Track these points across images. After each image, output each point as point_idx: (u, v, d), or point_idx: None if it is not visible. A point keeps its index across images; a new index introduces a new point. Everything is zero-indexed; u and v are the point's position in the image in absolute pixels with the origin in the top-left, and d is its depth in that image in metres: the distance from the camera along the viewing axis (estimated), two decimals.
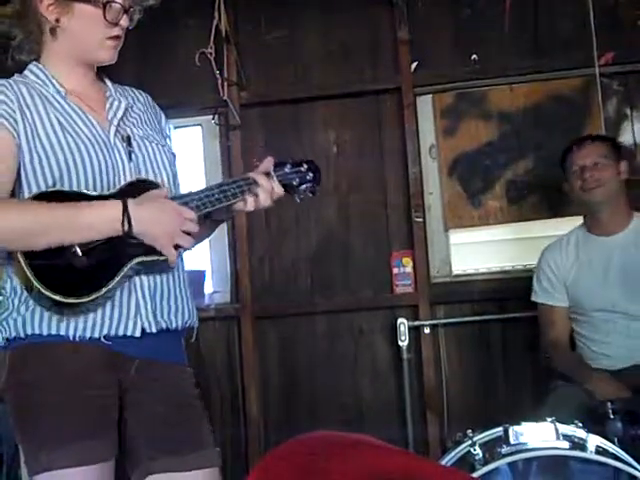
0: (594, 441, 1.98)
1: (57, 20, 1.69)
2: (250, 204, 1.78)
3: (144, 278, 1.67)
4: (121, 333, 1.63)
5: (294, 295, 3.66)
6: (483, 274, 3.64)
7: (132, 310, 1.65)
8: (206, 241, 2.12)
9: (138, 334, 1.65)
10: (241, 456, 3.59)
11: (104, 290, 1.58)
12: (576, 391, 2.55)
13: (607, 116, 3.46)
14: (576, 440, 2.00)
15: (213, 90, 3.64)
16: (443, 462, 2.08)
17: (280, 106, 3.72)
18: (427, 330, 3.51)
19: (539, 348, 3.02)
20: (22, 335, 1.62)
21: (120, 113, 1.77)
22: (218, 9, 3.56)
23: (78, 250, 1.57)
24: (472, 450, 2.02)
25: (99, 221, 1.57)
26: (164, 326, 1.70)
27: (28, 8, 1.71)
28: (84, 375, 1.61)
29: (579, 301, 2.79)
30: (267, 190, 1.78)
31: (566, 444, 1.97)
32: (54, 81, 1.72)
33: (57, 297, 1.54)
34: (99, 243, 1.59)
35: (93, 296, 1.57)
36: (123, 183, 1.68)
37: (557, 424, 2.00)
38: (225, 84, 3.63)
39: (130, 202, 1.59)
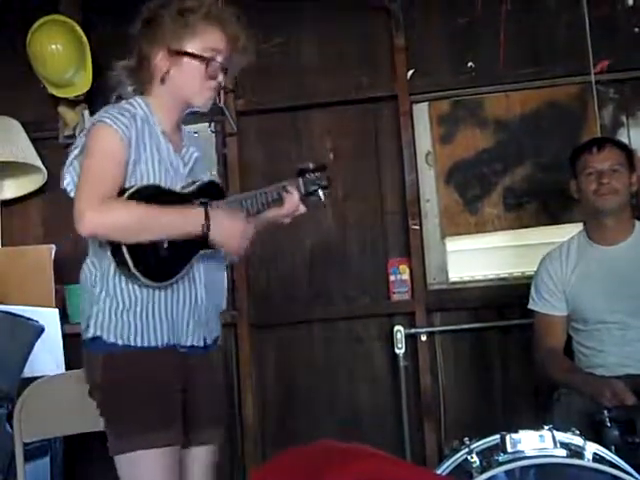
0: (592, 449, 1.98)
1: (167, 71, 2.06)
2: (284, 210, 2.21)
3: (201, 305, 2.07)
4: (189, 344, 2.07)
5: (291, 303, 3.66)
6: (480, 281, 3.64)
7: (194, 331, 2.08)
8: None
9: (202, 344, 2.10)
10: (238, 465, 3.57)
11: (180, 274, 2.00)
12: (583, 399, 2.47)
13: (603, 123, 3.48)
14: (573, 448, 1.99)
15: None
16: (440, 470, 2.07)
17: (276, 114, 3.72)
18: (424, 337, 3.51)
19: (533, 360, 2.88)
20: (120, 343, 1.97)
21: (192, 163, 2.13)
22: None
23: (165, 244, 1.96)
24: (469, 458, 2.01)
25: (189, 225, 1.97)
26: (210, 342, 2.14)
27: (144, 61, 2.07)
28: (161, 378, 1.99)
29: (578, 310, 2.75)
30: (293, 205, 2.20)
31: (563, 452, 1.95)
32: (155, 118, 2.06)
33: (147, 281, 1.95)
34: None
35: (172, 279, 1.99)
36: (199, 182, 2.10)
37: (554, 432, 1.99)
38: (221, 92, 3.63)
39: (211, 212, 1.98)
